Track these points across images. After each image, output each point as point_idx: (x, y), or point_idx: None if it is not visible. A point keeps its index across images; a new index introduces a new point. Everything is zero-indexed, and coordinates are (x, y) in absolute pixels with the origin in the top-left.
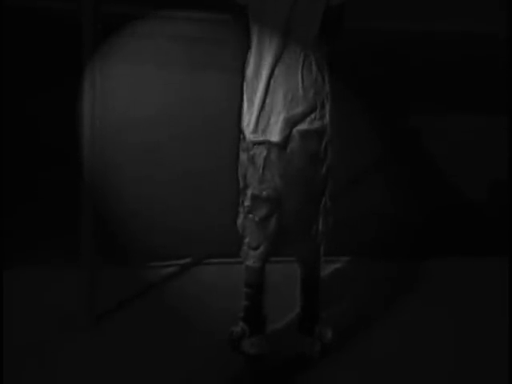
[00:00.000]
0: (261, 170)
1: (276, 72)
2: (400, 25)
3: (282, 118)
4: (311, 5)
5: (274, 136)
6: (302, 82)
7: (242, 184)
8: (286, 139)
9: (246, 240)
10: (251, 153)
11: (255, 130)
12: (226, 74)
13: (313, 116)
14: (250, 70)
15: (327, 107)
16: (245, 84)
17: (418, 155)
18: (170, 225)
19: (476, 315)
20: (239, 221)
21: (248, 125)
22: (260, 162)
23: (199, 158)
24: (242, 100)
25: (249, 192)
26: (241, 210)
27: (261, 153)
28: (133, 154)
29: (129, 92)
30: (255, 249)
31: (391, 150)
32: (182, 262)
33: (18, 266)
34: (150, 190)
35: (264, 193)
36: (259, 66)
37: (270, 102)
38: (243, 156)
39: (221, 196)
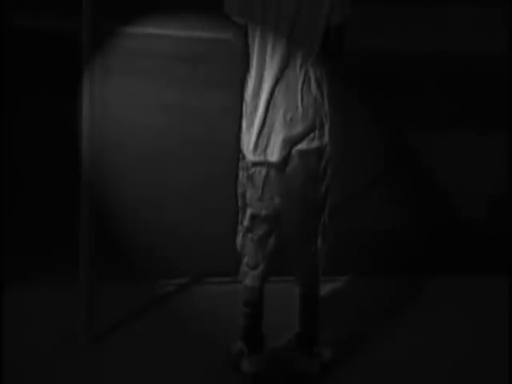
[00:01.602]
0: (260, 190)
1: (275, 92)
2: (401, 43)
3: (281, 137)
4: (311, 24)
5: (274, 156)
6: (302, 102)
7: (240, 203)
8: (286, 159)
9: (245, 259)
10: (250, 172)
11: (255, 150)
12: (225, 94)
13: (312, 135)
14: (249, 90)
15: (326, 126)
16: (244, 104)
17: (417, 172)
18: (169, 243)
19: (476, 333)
20: (238, 240)
21: (247, 145)
22: (259, 181)
23: (198, 177)
24: (241, 119)
25: (248, 211)
26: (240, 229)
27: (260, 172)
28: (132, 172)
29: (128, 110)
30: (254, 268)
31: (391, 167)
32: (180, 280)
33: (16, 284)
34: (149, 209)
35: (263, 212)
36: (259, 85)
37: (269, 121)
38: (242, 175)
39: (219, 215)
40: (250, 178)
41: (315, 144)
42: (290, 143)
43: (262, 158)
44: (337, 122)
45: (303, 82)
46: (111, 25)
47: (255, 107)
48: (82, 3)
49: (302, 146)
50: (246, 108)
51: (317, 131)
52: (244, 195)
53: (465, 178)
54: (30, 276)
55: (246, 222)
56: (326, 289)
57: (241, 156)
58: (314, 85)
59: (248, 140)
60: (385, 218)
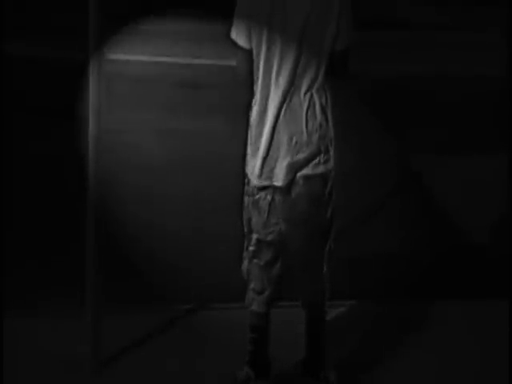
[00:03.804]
0: (265, 215)
1: (280, 117)
2: (402, 68)
3: (286, 162)
4: (316, 50)
5: (279, 181)
6: (307, 127)
7: (246, 229)
8: (290, 184)
9: (251, 285)
10: (256, 197)
11: (260, 175)
12: (230, 119)
13: (317, 160)
14: (254, 115)
15: (331, 152)
16: (249, 129)
17: (418, 196)
18: (174, 269)
19: (477, 358)
20: (244, 265)
21: (253, 170)
22: (264, 206)
23: (203, 202)
24: (246, 145)
25: (253, 237)
26: (245, 254)
27: (265, 197)
28: (134, 199)
29: (132, 137)
30: (260, 293)
31: (393, 191)
32: (187, 306)
33: (18, 310)
34: (155, 235)
35: (268, 237)
36: (264, 110)
37: (274, 146)
38: (248, 201)
39: (225, 241)
40: (256, 203)
41: (320, 169)
42: (294, 168)
43: (267, 183)
44: (340, 147)
45: (308, 107)
46: (115, 52)
47: (260, 132)
48: (89, 31)
49: (308, 171)
50: (251, 133)
51: (322, 156)
52: (249, 221)
53: (463, 202)
54: (32, 301)
55: (251, 248)
56: (331, 313)
57: (246, 181)
58: (318, 110)
59: (253, 165)
60: (386, 243)
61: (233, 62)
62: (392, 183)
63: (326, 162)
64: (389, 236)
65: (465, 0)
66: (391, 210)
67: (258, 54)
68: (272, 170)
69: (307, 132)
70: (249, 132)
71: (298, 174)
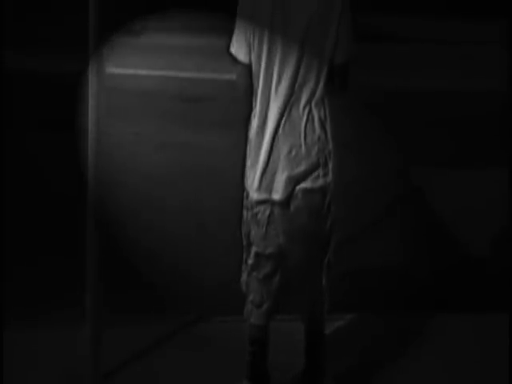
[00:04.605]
0: (264, 228)
1: (279, 130)
2: (402, 81)
3: (285, 175)
4: (316, 64)
5: (277, 194)
6: (305, 140)
7: (245, 242)
8: (289, 197)
9: (250, 297)
10: (255, 211)
11: (259, 189)
12: (230, 133)
13: (316, 174)
14: (253, 129)
15: (330, 165)
16: (248, 142)
17: (419, 209)
18: (174, 281)
19: (477, 371)
20: (243, 278)
21: (252, 183)
22: (263, 219)
23: (201, 216)
24: (245, 158)
25: (252, 250)
26: (244, 267)
27: (264, 211)
28: (134, 212)
29: (131, 150)
30: (259, 306)
31: (394, 204)
32: (186, 318)
33: (18, 322)
34: (154, 246)
35: (267, 250)
36: (263, 124)
37: (273, 160)
38: (247, 214)
39: (224, 252)
40: (254, 216)
41: (319, 183)
42: (293, 181)
43: (265, 196)
44: (339, 161)
45: (307, 121)
46: (115, 66)
47: (259, 145)
48: (89, 45)
49: (306, 184)
50: (250, 146)
51: (321, 169)
52: (248, 234)
53: (464, 215)
54: (32, 312)
55: (250, 261)
56: (330, 326)
57: (245, 195)
58: (317, 124)
59: (252, 178)
60: (386, 255)
61: (232, 76)
62: (392, 196)
63: (324, 175)
64: (389, 248)
65: (464, 13)
66: (391, 222)
67: (258, 68)
68: (271, 183)
69: (306, 145)
70: (248, 145)
71: (297, 187)
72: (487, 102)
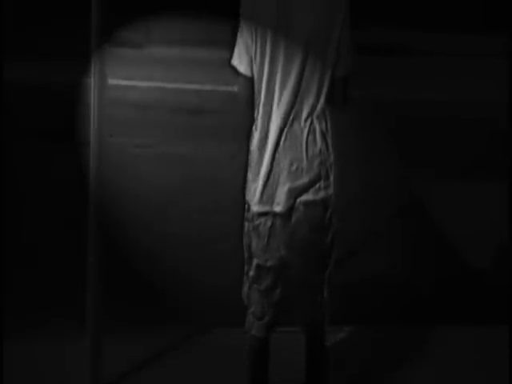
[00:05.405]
0: (265, 240)
1: (281, 142)
2: (402, 93)
3: (286, 188)
4: (317, 76)
5: (279, 206)
6: (307, 153)
7: (246, 254)
8: (291, 209)
9: (251, 310)
10: (256, 223)
11: (260, 200)
12: (231, 145)
13: (317, 186)
14: (255, 141)
15: (332, 177)
16: (250, 154)
17: (420, 222)
18: (174, 293)
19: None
20: (244, 290)
21: (253, 195)
22: (265, 232)
23: (203, 228)
24: (246, 171)
25: (253, 262)
26: (245, 279)
27: (265, 223)
28: (136, 225)
29: (133, 161)
30: (260, 318)
31: (395, 216)
32: (186, 330)
33: (18, 333)
34: (155, 258)
35: (268, 263)
36: (264, 136)
37: (274, 172)
38: (248, 226)
39: (225, 265)
40: (256, 228)
41: (321, 195)
42: (295, 193)
43: (267, 209)
44: (340, 172)
45: (308, 134)
46: (117, 78)
47: (261, 158)
48: (91, 56)
49: (308, 196)
50: (252, 159)
51: (322, 182)
52: (250, 246)
53: (464, 228)
54: (32, 325)
55: (251, 273)
56: (331, 338)
57: (246, 207)
58: (319, 136)
59: (253, 190)
60: (387, 267)
61: (234, 88)
62: (392, 208)
63: (326, 187)
64: (389, 261)
65: (466, 25)
66: (391, 234)
67: (260, 80)
68: (272, 195)
69: (307, 158)
70: (249, 157)
71: (299, 200)
72: (488, 114)
